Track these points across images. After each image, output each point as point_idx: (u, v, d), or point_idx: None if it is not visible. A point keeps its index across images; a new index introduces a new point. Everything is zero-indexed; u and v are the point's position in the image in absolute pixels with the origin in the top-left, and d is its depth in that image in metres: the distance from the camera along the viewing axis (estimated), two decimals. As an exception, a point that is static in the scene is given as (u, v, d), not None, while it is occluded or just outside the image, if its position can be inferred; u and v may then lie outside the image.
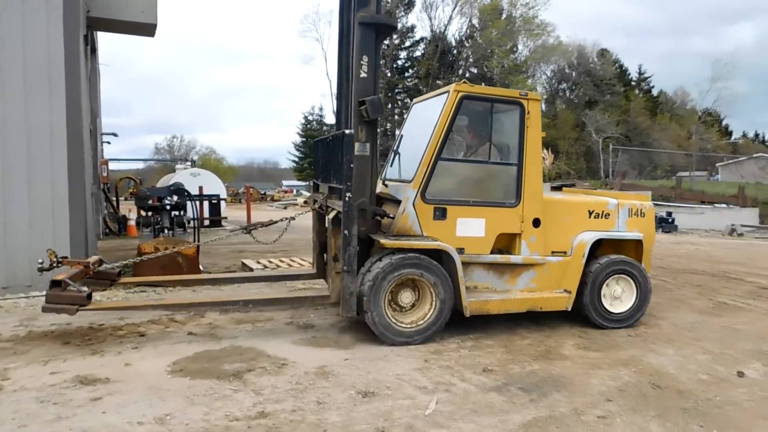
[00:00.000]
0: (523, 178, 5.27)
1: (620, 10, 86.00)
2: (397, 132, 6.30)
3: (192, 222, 8.70)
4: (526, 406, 3.66)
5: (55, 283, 4.54)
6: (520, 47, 42.77)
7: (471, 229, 5.13)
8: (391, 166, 5.97)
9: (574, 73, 46.68)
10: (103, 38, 15.29)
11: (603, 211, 5.73)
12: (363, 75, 4.84)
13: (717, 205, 21.76)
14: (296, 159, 56.87)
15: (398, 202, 5.17)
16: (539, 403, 3.71)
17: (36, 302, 5.97)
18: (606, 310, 5.53)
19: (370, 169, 4.95)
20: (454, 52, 39.40)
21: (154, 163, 57.69)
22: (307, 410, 3.51)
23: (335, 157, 4.98)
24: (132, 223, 13.62)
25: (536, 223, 5.34)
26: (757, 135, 73.24)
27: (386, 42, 40.62)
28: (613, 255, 5.65)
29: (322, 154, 5.71)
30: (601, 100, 44.06)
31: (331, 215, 5.00)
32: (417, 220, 4.98)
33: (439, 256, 4.94)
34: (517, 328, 5.44)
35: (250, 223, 17.02)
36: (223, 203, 17.33)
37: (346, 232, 4.56)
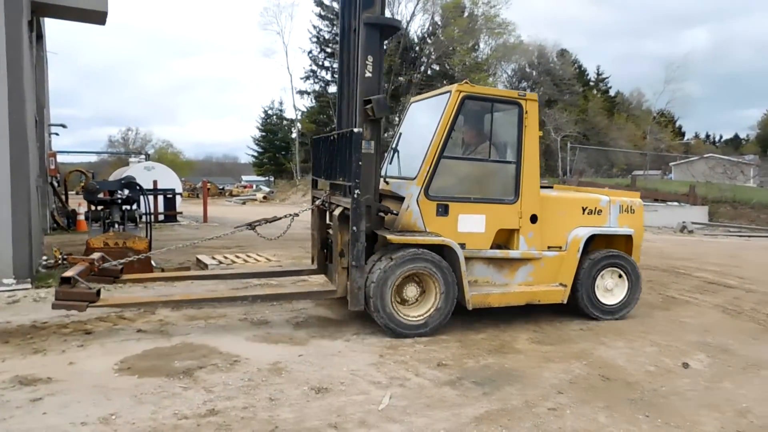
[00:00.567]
0: (522, 175, 5.44)
1: (580, 12, 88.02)
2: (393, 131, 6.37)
3: (145, 217, 8.44)
4: (479, 400, 3.68)
5: (65, 280, 4.57)
6: (481, 45, 43.19)
7: (472, 225, 5.28)
8: (390, 163, 6.05)
9: (534, 73, 47.37)
10: (52, 26, 14.71)
11: (596, 208, 5.95)
12: (368, 74, 4.96)
13: (670, 202, 22.42)
14: (256, 154, 56.00)
15: (400, 199, 5.30)
16: (492, 397, 3.74)
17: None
18: (600, 302, 5.77)
19: (374, 167, 5.06)
20: (416, 48, 39.43)
21: (107, 157, 55.85)
22: (258, 407, 3.45)
23: (341, 154, 5.03)
24: (82, 217, 13.16)
25: (533, 219, 5.52)
26: (708, 136, 76.24)
27: (348, 37, 40.61)
28: (606, 249, 5.89)
29: (324, 151, 5.73)
30: (560, 100, 44.89)
31: (337, 212, 5.03)
32: (420, 216, 5.10)
33: (442, 251, 5.06)
34: (473, 323, 5.48)
35: (203, 217, 16.74)
36: (178, 198, 16.93)
37: (354, 228, 4.67)
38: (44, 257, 4.87)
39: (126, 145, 61.26)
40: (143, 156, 25.02)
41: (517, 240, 5.50)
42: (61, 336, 4.74)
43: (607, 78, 58.36)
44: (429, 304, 5.03)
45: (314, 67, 42.34)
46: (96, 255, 5.36)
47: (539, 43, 47.31)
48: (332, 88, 42.16)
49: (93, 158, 55.09)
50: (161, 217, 15.82)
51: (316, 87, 42.78)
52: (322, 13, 40.97)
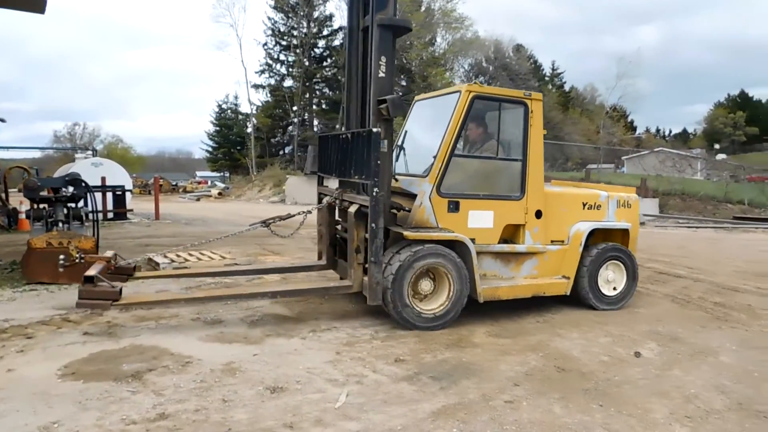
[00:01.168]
0: (527, 172, 5.60)
1: (535, 7, 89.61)
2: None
3: (91, 215, 8.11)
4: (436, 395, 3.67)
5: (88, 279, 4.57)
6: (438, 40, 43.42)
7: (481, 220, 5.43)
8: (396, 160, 6.07)
9: (491, 68, 47.89)
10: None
11: (595, 203, 6.20)
12: (381, 75, 5.05)
13: (623, 195, 23.12)
14: (210, 149, 54.76)
15: (409, 196, 5.42)
16: (449, 391, 3.73)
17: None
18: (602, 293, 6.02)
19: (388, 165, 5.15)
20: (373, 43, 39.36)
21: (53, 152, 53.63)
22: (211, 409, 3.34)
23: (356, 153, 5.08)
24: (23, 216, 12.59)
25: (538, 214, 5.69)
26: (658, 130, 79.15)
27: (304, 30, 40.07)
28: (607, 243, 6.14)
29: (335, 149, 5.74)
30: (516, 95, 45.60)
31: (353, 209, 5.06)
32: (433, 212, 5.21)
33: (453, 246, 5.17)
34: (430, 317, 5.47)
35: (155, 214, 16.27)
36: (128, 195, 16.38)
37: (373, 225, 4.75)
38: (61, 256, 4.98)
39: (73, 141, 59.05)
40: (90, 152, 24.08)
41: (523, 235, 5.67)
42: (-1, 341, 4.50)
43: (562, 73, 59.77)
44: (442, 298, 5.15)
45: (270, 61, 41.74)
46: (109, 253, 5.33)
47: (495, 38, 47.94)
48: (288, 82, 41.73)
49: (37, 154, 52.68)
50: (110, 215, 15.30)
51: (272, 81, 42.22)
52: (278, 5, 40.34)
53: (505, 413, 3.42)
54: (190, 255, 8.66)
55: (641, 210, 19.80)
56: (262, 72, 41.94)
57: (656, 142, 58.24)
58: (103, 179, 15.08)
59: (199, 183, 53.66)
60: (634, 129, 64.27)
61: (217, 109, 53.88)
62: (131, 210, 16.33)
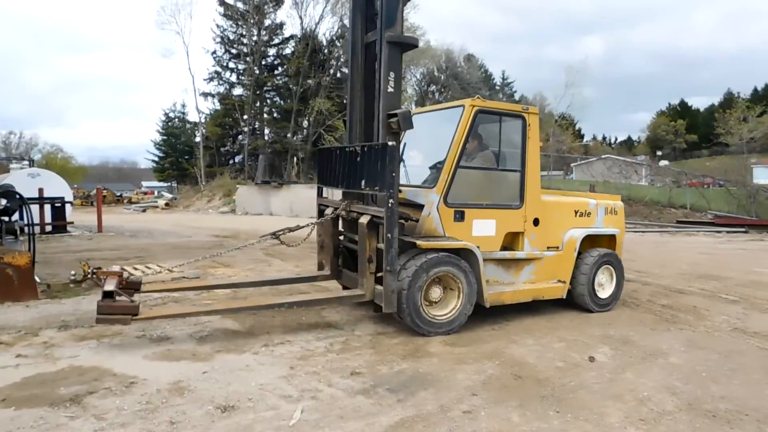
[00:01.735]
0: (526, 182, 5.83)
1: (486, 17, 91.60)
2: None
3: (27, 229, 7.67)
4: (393, 407, 3.58)
5: (107, 294, 4.55)
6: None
7: (484, 229, 5.62)
8: None
9: (442, 77, 48.38)
10: None
11: (586, 210, 6.53)
12: (390, 90, 5.17)
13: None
14: (156, 158, 53.20)
15: (414, 206, 5.59)
16: (406, 403, 3.66)
17: None
18: (598, 297, 6.33)
19: (398, 177, 5.19)
20: (325, 51, 39.14)
21: (-14, 163, 51.03)
22: (157, 432, 3.16)
23: (368, 165, 5.17)
24: (-47, 230, 11.84)
25: (536, 222, 5.95)
26: (604, 138, 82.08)
27: (254, 38, 39.50)
28: (601, 248, 6.47)
29: (340, 162, 5.81)
30: (467, 103, 46.33)
31: (364, 220, 5.13)
32: (440, 222, 5.36)
33: (462, 254, 5.35)
34: (387, 329, 5.41)
35: (97, 226, 15.61)
36: (68, 207, 15.64)
37: (389, 235, 4.85)
38: (72, 272, 4.93)
39: (8, 150, 56.35)
40: (26, 162, 22.96)
41: (522, 242, 5.90)
42: None
43: (512, 82, 60.95)
44: (452, 304, 5.31)
45: (219, 69, 40.90)
46: (115, 268, 5.24)
47: (447, 47, 48.55)
48: (238, 90, 41.01)
49: (-32, 165, 50.12)
50: (49, 228, 14.58)
51: (221, 89, 41.32)
52: (227, 13, 39.68)
53: (464, 424, 3.37)
54: (135, 269, 8.32)
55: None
56: (211, 80, 41.01)
57: (603, 150, 60.28)
58: (41, 191, 14.35)
59: (146, 193, 51.99)
60: (582, 137, 66.34)
61: (163, 118, 52.50)
62: (72, 223, 15.60)
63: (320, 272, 6.31)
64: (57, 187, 15.80)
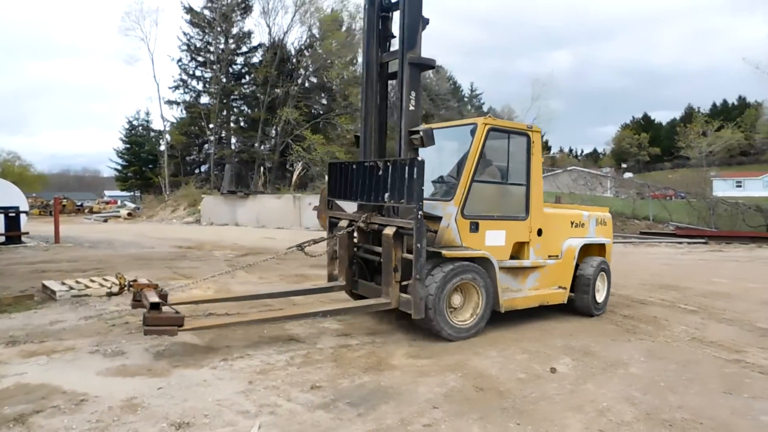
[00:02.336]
0: (530, 195, 6.20)
1: (455, 30, 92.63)
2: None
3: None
4: (353, 422, 3.52)
5: (154, 306, 4.56)
6: (359, 59, 43.73)
7: (496, 239, 5.94)
8: None
9: (411, 87, 48.70)
10: None
11: (580, 221, 7.02)
12: (412, 108, 5.47)
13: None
14: (119, 167, 51.99)
15: (430, 218, 5.70)
16: (367, 417, 3.60)
17: None
18: (597, 302, 6.81)
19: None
20: (294, 60, 38.96)
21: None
22: (105, 453, 3.02)
23: (394, 179, 5.32)
24: None
25: (540, 232, 6.32)
26: (571, 150, 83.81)
27: (221, 46, 39.12)
28: (597, 257, 6.98)
29: (357, 175, 5.96)
30: (436, 114, 46.47)
31: (390, 231, 5.30)
32: (458, 233, 5.61)
33: (480, 262, 5.64)
34: (349, 341, 5.35)
35: (54, 237, 15.10)
36: (23, 216, 15.11)
37: (418, 245, 5.02)
38: (108, 285, 4.93)
39: (-38, 158, 54.37)
40: (-19, 170, 22.18)
41: (527, 251, 6.25)
42: None
43: (480, 94, 61.93)
44: (471, 310, 5.62)
45: (185, 77, 40.33)
46: (143, 279, 5.33)
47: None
48: (204, 99, 40.48)
49: None
50: (1, 239, 14.06)
51: (187, 97, 40.73)
52: (194, 20, 39.23)
53: (425, 438, 3.33)
54: (92, 281, 8.05)
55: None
56: (177, 88, 40.38)
57: (569, 161, 61.45)
58: (-6, 200, 13.88)
59: (108, 203, 50.75)
60: (549, 149, 67.57)
61: (127, 126, 51.44)
62: (27, 233, 15.08)
63: (332, 283, 6.40)
64: (11, 195, 15.29)
